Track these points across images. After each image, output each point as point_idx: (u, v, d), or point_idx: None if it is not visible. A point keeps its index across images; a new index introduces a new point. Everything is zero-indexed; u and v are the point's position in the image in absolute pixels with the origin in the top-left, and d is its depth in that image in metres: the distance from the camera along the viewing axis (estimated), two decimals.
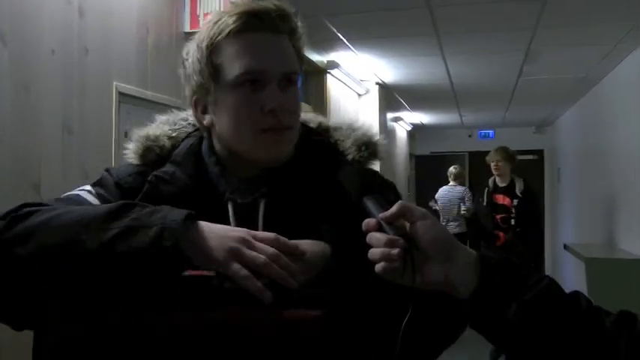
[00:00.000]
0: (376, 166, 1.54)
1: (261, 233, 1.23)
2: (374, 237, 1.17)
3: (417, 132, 14.08)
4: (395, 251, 1.14)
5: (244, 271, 1.15)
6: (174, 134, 1.54)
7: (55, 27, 2.88)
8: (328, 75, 6.87)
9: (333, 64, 6.68)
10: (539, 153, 14.17)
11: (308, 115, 1.59)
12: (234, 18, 1.34)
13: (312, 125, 1.56)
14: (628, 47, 6.40)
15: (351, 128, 1.54)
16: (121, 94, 3.35)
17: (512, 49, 6.50)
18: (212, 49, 1.36)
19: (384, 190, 1.39)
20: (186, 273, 1.21)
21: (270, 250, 1.18)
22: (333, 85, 7.10)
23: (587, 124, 9.40)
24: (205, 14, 3.95)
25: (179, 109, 1.65)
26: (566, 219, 11.62)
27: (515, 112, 11.29)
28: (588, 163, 9.30)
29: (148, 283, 1.19)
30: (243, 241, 1.18)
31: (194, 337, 1.15)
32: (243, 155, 1.40)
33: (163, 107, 3.74)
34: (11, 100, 2.61)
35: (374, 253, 1.16)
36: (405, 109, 10.86)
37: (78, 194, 1.42)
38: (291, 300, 1.15)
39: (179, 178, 1.43)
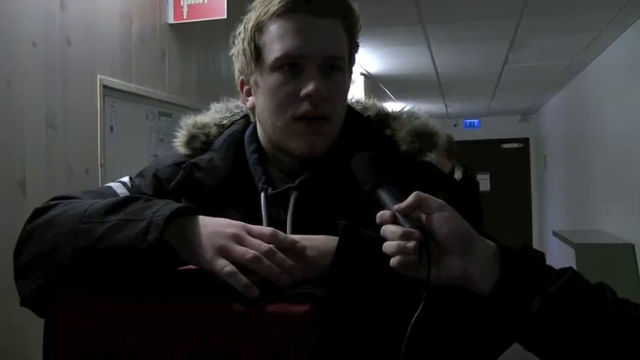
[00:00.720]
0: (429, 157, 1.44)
1: (257, 228, 1.17)
2: (389, 229, 1.11)
3: None
4: (411, 244, 1.07)
5: (229, 267, 1.11)
6: (224, 122, 1.51)
7: (37, 18, 2.82)
8: None
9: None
10: (525, 141, 14.20)
11: (367, 103, 1.52)
12: None
13: (369, 113, 1.49)
14: (612, 34, 6.40)
15: (413, 116, 1.45)
16: (105, 87, 3.30)
17: (498, 37, 6.48)
18: (256, 30, 1.33)
19: (439, 187, 1.28)
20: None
21: (263, 245, 1.13)
22: None
23: (573, 111, 9.42)
24: (189, 5, 3.92)
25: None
26: (554, 206, 11.65)
27: (501, 100, 11.30)
28: (574, 150, 9.33)
29: (137, 277, 1.16)
30: (234, 237, 1.14)
31: (177, 327, 1.13)
32: (278, 143, 1.36)
33: (147, 100, 3.72)
34: None
35: (388, 246, 1.10)
36: (390, 99, 10.84)
37: (109, 186, 1.43)
38: (283, 296, 1.10)
39: (215, 166, 1.39)
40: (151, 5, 3.84)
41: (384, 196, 1.18)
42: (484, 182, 14.25)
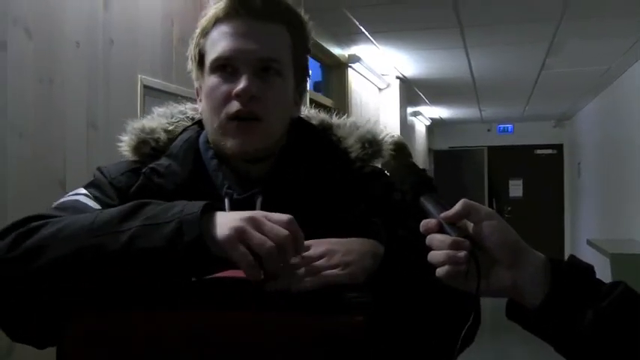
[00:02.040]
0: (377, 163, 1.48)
1: (275, 215, 1.15)
2: (436, 239, 1.08)
3: (435, 127, 14.01)
4: (461, 254, 1.05)
5: (249, 259, 1.09)
6: (170, 127, 1.49)
7: (80, 19, 2.84)
8: (349, 69, 6.82)
9: (355, 58, 6.64)
10: (559, 147, 14.09)
11: (310, 112, 1.56)
12: (222, 3, 1.34)
13: (313, 122, 1.51)
14: None
15: (355, 126, 1.49)
16: (146, 88, 3.31)
17: (536, 41, 6.44)
18: (202, 35, 1.38)
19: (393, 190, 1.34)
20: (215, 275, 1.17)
21: (283, 232, 1.11)
22: (354, 79, 7.04)
23: (608, 118, 9.32)
24: None
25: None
26: (587, 214, 11.53)
27: (535, 106, 11.21)
28: (609, 158, 9.22)
29: (169, 282, 1.14)
30: (251, 220, 1.12)
31: (228, 338, 1.10)
32: (217, 144, 1.38)
33: (188, 100, 3.72)
34: (35, 93, 2.57)
35: (436, 255, 1.07)
36: (424, 103, 10.82)
37: (77, 200, 1.36)
38: (333, 305, 1.09)
39: (174, 172, 1.38)
40: (192, 7, 3.85)
41: (428, 204, 1.16)
42: (516, 188, 14.18)
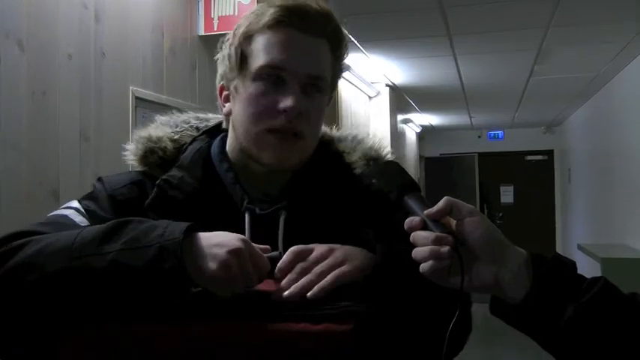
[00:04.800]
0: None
1: (257, 249, 1.16)
2: (419, 235, 1.09)
3: (426, 134, 14.04)
4: (444, 249, 1.06)
5: (228, 295, 1.10)
6: (176, 137, 1.46)
7: (72, 32, 2.86)
8: None
9: (344, 66, 6.60)
10: (549, 153, 14.13)
11: None
12: (272, 10, 1.30)
13: None
14: (638, 46, 6.37)
15: (356, 140, 1.47)
16: (138, 99, 3.34)
17: (524, 48, 6.47)
18: (245, 37, 1.33)
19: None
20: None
21: (266, 268, 1.14)
22: (343, 87, 7.07)
23: (598, 124, 9.36)
24: (220, 17, 3.95)
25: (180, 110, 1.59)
26: (578, 219, 11.57)
27: (525, 112, 11.25)
28: (599, 163, 9.26)
29: (154, 300, 1.12)
30: (236, 254, 1.10)
31: (215, 350, 1.10)
32: (248, 151, 1.35)
33: (178, 111, 3.74)
34: (28, 106, 2.60)
35: (420, 251, 1.09)
36: (414, 110, 10.84)
37: (65, 215, 1.33)
38: (324, 314, 1.09)
39: (188, 184, 1.34)
40: (182, 18, 3.88)
41: (412, 202, 1.17)
42: (507, 194, 14.21)
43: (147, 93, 3.43)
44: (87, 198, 1.38)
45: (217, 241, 1.12)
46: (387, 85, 8.34)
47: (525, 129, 13.80)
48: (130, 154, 1.42)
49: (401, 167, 1.29)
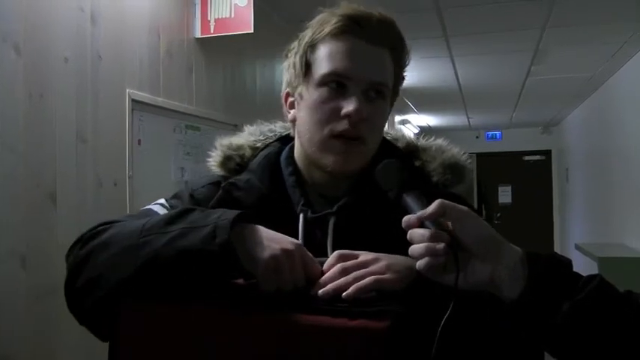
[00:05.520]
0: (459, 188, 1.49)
1: (309, 257, 1.21)
2: (416, 233, 1.11)
3: (423, 134, 14.03)
4: (440, 246, 1.08)
5: (273, 288, 1.15)
6: (258, 144, 1.54)
7: (68, 35, 2.88)
8: None
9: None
10: (547, 153, 14.13)
11: (397, 134, 1.57)
12: (335, 19, 1.34)
13: (399, 144, 1.53)
14: (634, 46, 6.39)
15: (440, 150, 1.51)
16: (134, 101, 3.35)
17: (521, 49, 6.49)
18: (310, 46, 1.37)
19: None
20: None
21: (303, 281, 1.18)
22: None
23: (595, 124, 9.37)
24: (216, 20, 3.96)
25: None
26: (576, 219, 11.58)
27: (523, 112, 11.26)
28: (596, 163, 9.27)
29: (206, 284, 1.18)
30: (288, 254, 1.17)
31: (251, 338, 1.13)
32: (313, 157, 1.39)
33: (175, 113, 3.76)
34: (25, 109, 2.61)
35: (416, 248, 1.10)
36: (412, 111, 10.85)
37: (150, 208, 1.45)
38: (362, 312, 1.11)
39: (253, 186, 1.42)
40: (179, 20, 3.89)
41: (410, 200, 1.19)
42: (506, 194, 14.21)
43: (143, 95, 3.44)
44: (173, 197, 1.51)
45: (273, 237, 1.19)
46: None
47: (523, 129, 13.81)
48: (212, 160, 1.53)
49: (401, 166, 1.31)
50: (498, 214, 13.92)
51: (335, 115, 1.33)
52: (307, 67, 1.37)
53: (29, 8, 2.64)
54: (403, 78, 1.47)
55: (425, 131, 13.45)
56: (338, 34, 1.34)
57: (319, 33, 1.36)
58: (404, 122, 11.30)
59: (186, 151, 3.87)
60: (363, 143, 1.35)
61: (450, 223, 1.12)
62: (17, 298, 2.52)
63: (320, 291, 1.16)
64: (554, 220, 13.87)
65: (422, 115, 11.60)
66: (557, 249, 13.20)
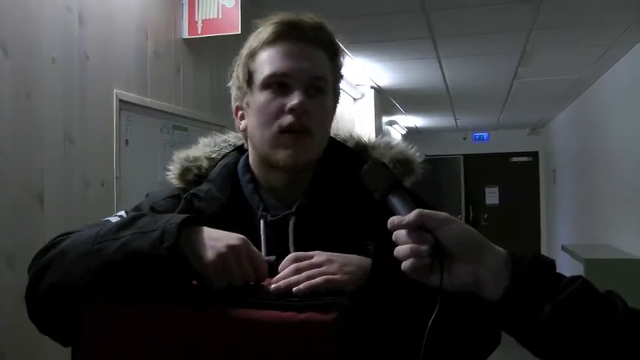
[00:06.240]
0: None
1: (255, 252, 1.26)
2: (401, 234, 1.14)
3: (411, 136, 14.06)
4: (424, 247, 1.10)
5: (224, 285, 1.21)
6: (213, 155, 1.60)
7: (56, 34, 2.87)
8: None
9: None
10: (534, 155, 14.18)
11: (346, 135, 1.63)
12: (270, 28, 1.43)
13: (349, 144, 1.60)
14: (621, 49, 6.43)
15: (389, 146, 1.58)
16: (122, 102, 3.34)
17: (508, 51, 6.51)
18: (250, 56, 1.46)
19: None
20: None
21: (251, 276, 1.24)
22: None
23: (581, 126, 9.42)
24: (204, 20, 3.96)
25: (221, 130, 1.73)
26: (563, 220, 11.63)
27: (510, 114, 11.30)
28: (583, 164, 9.32)
29: (152, 288, 1.23)
30: (234, 250, 1.22)
31: (203, 334, 1.17)
32: (266, 157, 1.44)
33: (162, 114, 3.76)
34: (12, 109, 2.60)
35: (401, 250, 1.13)
36: (399, 112, 10.87)
37: (107, 219, 1.47)
38: (310, 305, 1.15)
39: (213, 196, 1.48)
40: (166, 20, 3.89)
41: (395, 202, 1.20)
42: (493, 195, 14.26)
43: (131, 96, 3.44)
44: (133, 209, 1.54)
45: (218, 236, 1.24)
46: (372, 88, 8.37)
47: (510, 130, 13.85)
48: (171, 173, 1.59)
49: (387, 167, 1.34)
50: (485, 216, 13.97)
51: (280, 112, 1.40)
52: (250, 76, 1.46)
53: (16, 8, 2.64)
54: (341, 77, 1.55)
55: (412, 132, 13.49)
56: (274, 39, 1.43)
57: (257, 43, 1.45)
58: (391, 123, 11.32)
59: (173, 152, 3.86)
60: (311, 136, 1.42)
61: None
62: (4, 298, 2.51)
63: (272, 286, 1.21)
64: (541, 222, 13.92)
65: (409, 116, 11.62)
66: (544, 250, 13.25)
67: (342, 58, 1.53)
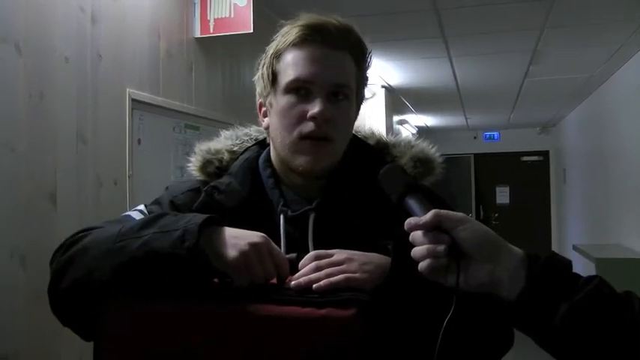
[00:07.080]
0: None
1: (276, 251, 1.27)
2: (418, 235, 1.15)
3: (421, 135, 14.03)
4: (441, 247, 1.11)
5: (246, 282, 1.22)
6: (235, 148, 1.62)
7: (69, 35, 2.88)
8: None
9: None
10: (545, 154, 14.13)
11: (367, 132, 1.64)
12: (296, 30, 1.43)
13: (370, 142, 1.60)
14: (633, 48, 6.40)
15: (409, 145, 1.59)
16: (134, 101, 3.35)
17: (519, 50, 6.50)
18: (275, 57, 1.46)
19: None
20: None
21: (273, 273, 1.25)
22: None
23: (592, 125, 9.39)
24: (216, 19, 3.96)
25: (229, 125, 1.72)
26: (574, 220, 11.59)
27: (521, 113, 11.27)
28: (594, 164, 9.28)
29: (176, 285, 1.24)
30: (255, 248, 1.23)
31: (226, 329, 1.19)
32: (286, 160, 1.46)
33: (174, 113, 3.77)
34: (26, 109, 2.61)
35: (418, 250, 1.14)
36: (410, 111, 10.85)
37: (129, 214, 1.50)
38: (329, 301, 1.16)
39: (234, 189, 1.49)
40: (179, 20, 3.89)
41: (412, 203, 1.21)
42: (503, 195, 14.22)
43: (143, 95, 3.45)
44: (154, 203, 1.56)
45: (239, 234, 1.25)
46: (383, 87, 8.36)
47: (521, 130, 13.82)
48: (192, 165, 1.60)
49: (403, 170, 1.36)
50: (496, 215, 13.94)
51: (302, 118, 1.41)
52: (274, 77, 1.47)
53: (30, 8, 2.65)
54: (366, 80, 1.55)
55: (423, 131, 13.47)
56: (299, 42, 1.43)
57: (283, 44, 1.45)
58: (402, 122, 11.31)
59: (186, 151, 3.86)
60: (331, 143, 1.44)
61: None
62: (17, 297, 2.52)
63: (292, 283, 1.22)
64: (552, 221, 13.88)
65: (420, 116, 11.60)
66: (554, 250, 13.16)
67: (369, 61, 1.52)
